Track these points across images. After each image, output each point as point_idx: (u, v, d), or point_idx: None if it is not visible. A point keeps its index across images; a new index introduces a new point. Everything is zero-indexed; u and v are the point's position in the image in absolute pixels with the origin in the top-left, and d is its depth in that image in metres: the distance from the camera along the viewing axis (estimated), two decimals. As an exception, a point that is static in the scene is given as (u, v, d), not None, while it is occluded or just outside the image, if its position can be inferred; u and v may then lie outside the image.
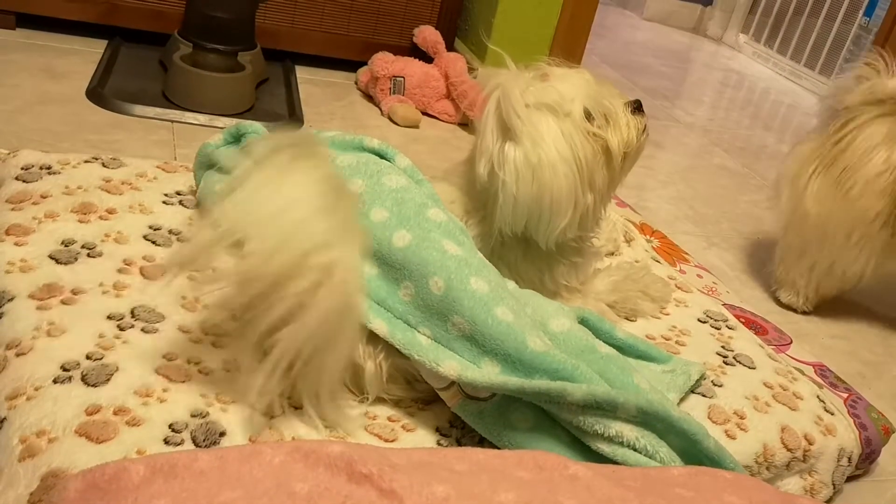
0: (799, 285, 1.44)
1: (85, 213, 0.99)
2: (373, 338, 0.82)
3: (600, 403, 0.76)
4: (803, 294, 1.44)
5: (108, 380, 0.75)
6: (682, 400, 0.92)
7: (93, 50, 1.82)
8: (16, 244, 0.91)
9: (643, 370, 0.91)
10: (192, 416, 0.74)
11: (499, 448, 0.78)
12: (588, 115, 0.93)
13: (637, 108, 0.98)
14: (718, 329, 1.12)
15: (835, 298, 1.51)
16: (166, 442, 0.70)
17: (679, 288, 1.20)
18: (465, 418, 0.80)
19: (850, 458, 0.99)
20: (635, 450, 0.76)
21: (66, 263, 0.90)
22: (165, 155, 1.46)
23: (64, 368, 0.75)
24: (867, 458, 1.03)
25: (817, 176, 1.35)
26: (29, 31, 1.83)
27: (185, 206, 1.07)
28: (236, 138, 1.07)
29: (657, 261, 1.29)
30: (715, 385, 0.97)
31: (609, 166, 0.96)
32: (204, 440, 0.72)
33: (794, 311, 1.46)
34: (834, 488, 0.98)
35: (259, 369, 0.69)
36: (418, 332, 0.81)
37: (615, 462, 0.76)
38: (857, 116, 1.32)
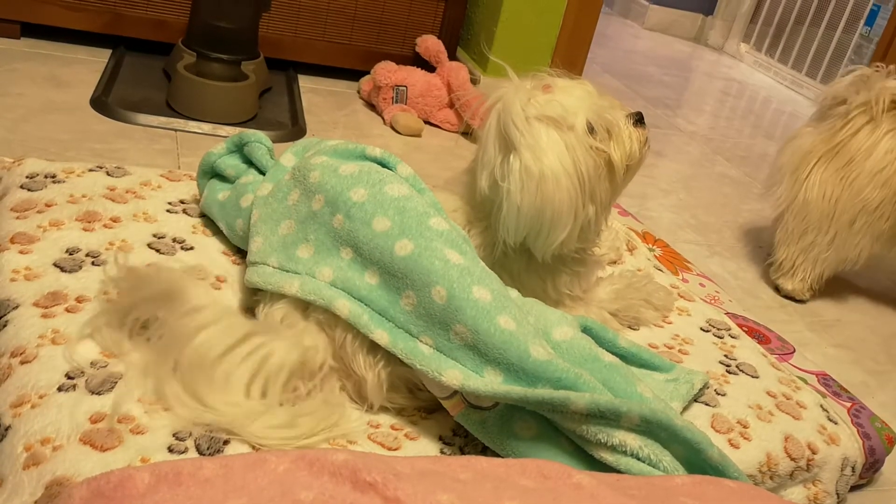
0: (799, 269, 1.46)
1: (89, 222, 1.00)
2: (373, 348, 0.82)
3: (604, 412, 0.76)
4: (801, 278, 1.47)
5: (113, 388, 0.75)
6: (685, 409, 0.92)
7: (97, 59, 1.83)
8: (20, 252, 0.91)
9: (646, 379, 0.91)
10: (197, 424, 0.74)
11: (502, 457, 0.78)
12: (591, 129, 0.93)
13: (638, 120, 0.98)
14: (721, 338, 1.12)
15: (838, 307, 1.52)
16: (170, 450, 0.70)
17: (681, 296, 1.20)
18: (468, 427, 0.80)
19: (853, 468, 0.98)
20: (639, 459, 0.76)
21: (70, 272, 0.90)
22: (169, 164, 1.46)
23: (68, 376, 0.75)
24: (871, 468, 1.03)
25: (820, 167, 1.41)
26: (33, 40, 1.84)
27: (189, 215, 1.08)
28: (239, 147, 1.08)
29: (659, 269, 1.29)
30: (718, 394, 0.97)
31: (611, 179, 0.96)
32: (208, 448, 0.72)
33: (795, 299, 1.48)
34: (838, 497, 0.98)
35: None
36: (420, 341, 0.81)
37: (619, 471, 0.76)
38: (862, 113, 1.38)
